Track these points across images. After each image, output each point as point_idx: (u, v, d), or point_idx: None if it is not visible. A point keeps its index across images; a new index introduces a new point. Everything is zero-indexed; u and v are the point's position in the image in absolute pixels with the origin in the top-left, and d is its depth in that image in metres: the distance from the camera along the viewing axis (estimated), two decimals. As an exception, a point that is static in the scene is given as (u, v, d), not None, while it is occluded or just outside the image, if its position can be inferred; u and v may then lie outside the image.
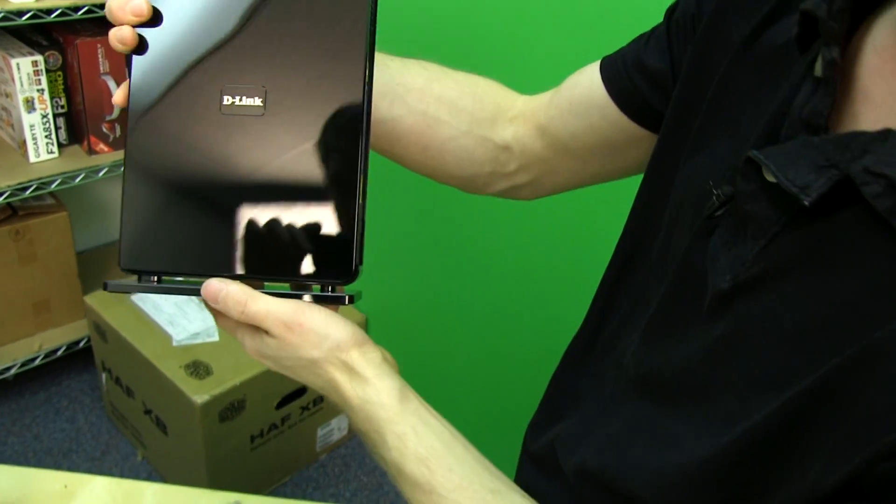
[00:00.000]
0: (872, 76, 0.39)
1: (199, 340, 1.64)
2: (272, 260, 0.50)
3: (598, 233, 1.22)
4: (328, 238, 0.49)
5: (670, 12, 0.58)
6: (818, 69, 0.40)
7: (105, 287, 0.51)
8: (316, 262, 0.49)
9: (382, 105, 0.62)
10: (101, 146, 1.81)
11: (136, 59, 0.52)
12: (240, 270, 0.50)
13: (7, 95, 1.72)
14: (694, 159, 0.51)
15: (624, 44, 0.62)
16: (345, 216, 0.49)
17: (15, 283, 1.83)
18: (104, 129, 1.80)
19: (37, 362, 1.87)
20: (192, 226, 0.51)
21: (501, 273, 1.50)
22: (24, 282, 1.85)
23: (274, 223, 0.50)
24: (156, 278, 0.51)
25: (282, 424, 1.71)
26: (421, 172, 0.69)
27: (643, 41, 0.60)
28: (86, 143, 1.80)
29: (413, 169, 0.69)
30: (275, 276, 0.51)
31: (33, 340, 1.90)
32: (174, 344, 1.63)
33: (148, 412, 1.72)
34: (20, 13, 1.51)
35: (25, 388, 1.99)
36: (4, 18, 1.49)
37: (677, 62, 0.56)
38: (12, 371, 1.84)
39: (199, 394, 1.52)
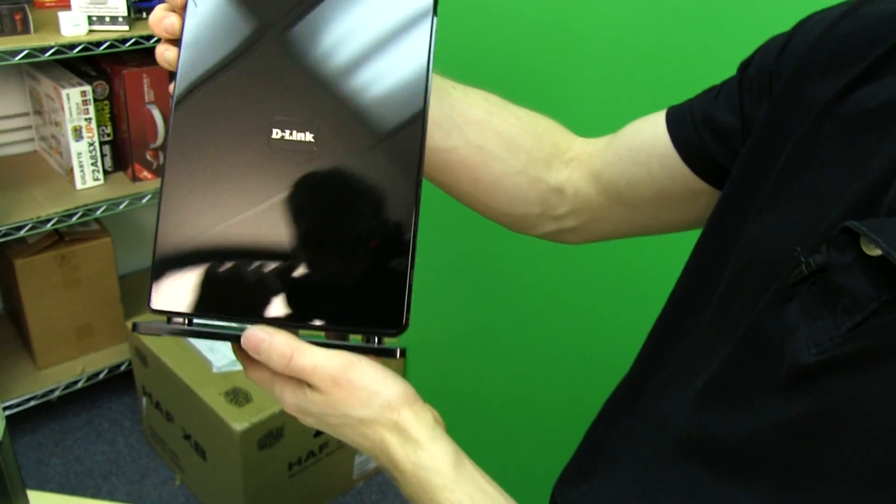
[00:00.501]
0: None
1: (238, 367, 1.66)
2: (316, 306, 0.46)
3: (649, 283, 1.21)
4: (379, 284, 0.46)
5: (743, 67, 0.56)
6: None
7: (135, 328, 0.47)
8: (365, 309, 0.46)
9: (438, 134, 0.60)
10: (145, 173, 1.84)
11: (180, 84, 0.49)
12: (279, 316, 0.46)
13: (56, 124, 1.77)
14: (763, 219, 0.49)
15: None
16: (398, 261, 0.46)
17: (59, 307, 1.87)
18: (148, 157, 1.83)
19: (79, 385, 1.90)
20: (230, 265, 0.47)
21: (544, 316, 1.49)
22: (68, 306, 1.88)
23: (320, 265, 0.46)
24: (186, 320, 0.47)
25: (319, 452, 1.72)
26: (467, 205, 0.67)
27: (713, 94, 0.58)
28: (130, 170, 1.83)
29: (460, 200, 0.67)
30: (318, 324, 0.47)
31: (76, 363, 1.93)
32: (214, 370, 1.65)
33: (187, 437, 1.73)
34: (72, 46, 1.55)
35: (68, 410, 2.02)
36: (57, 52, 1.53)
37: (748, 118, 0.54)
38: (56, 393, 1.87)
39: (239, 421, 1.53)
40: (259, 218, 0.47)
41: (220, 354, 1.68)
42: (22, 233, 1.63)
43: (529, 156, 0.64)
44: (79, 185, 1.77)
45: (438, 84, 0.59)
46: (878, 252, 0.37)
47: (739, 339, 0.46)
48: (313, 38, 0.48)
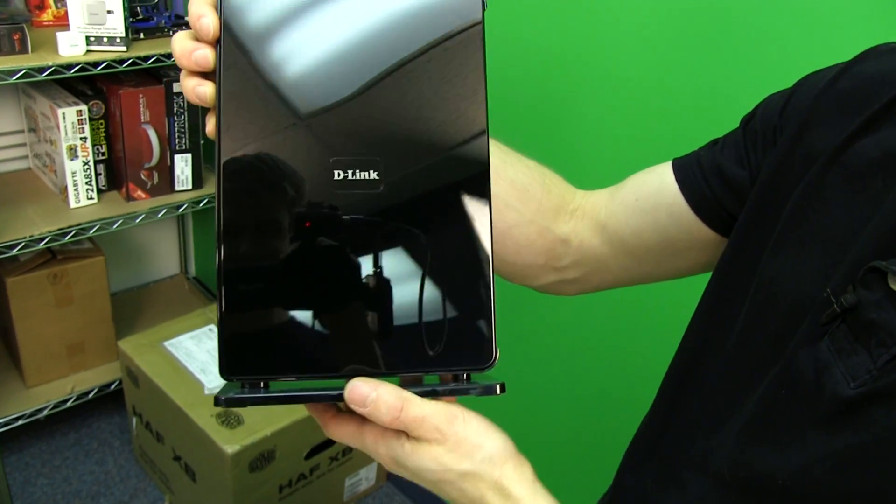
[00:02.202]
0: None
1: (231, 389, 1.65)
2: (403, 351, 0.44)
3: (660, 325, 1.22)
4: (464, 321, 0.44)
5: (746, 121, 0.59)
6: None
7: (217, 402, 0.42)
8: (454, 349, 0.44)
9: None
10: (139, 193, 1.84)
11: (226, 129, 0.44)
12: (367, 366, 0.43)
13: (51, 142, 1.77)
14: (776, 262, 0.51)
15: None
16: (481, 295, 0.44)
17: (51, 325, 1.86)
18: (143, 177, 1.83)
19: (69, 404, 1.89)
20: (306, 319, 0.43)
21: (560, 358, 1.49)
22: (59, 324, 1.87)
23: (401, 309, 0.44)
24: (264, 384, 0.43)
25: (310, 474, 1.71)
26: None
27: (718, 147, 0.60)
28: (124, 189, 1.83)
29: None
30: (405, 370, 0.44)
31: (66, 382, 1.92)
32: (206, 392, 1.64)
33: (177, 458, 1.72)
34: (69, 66, 1.56)
35: (56, 430, 2.01)
36: (55, 72, 1.54)
37: (754, 170, 0.56)
38: (45, 412, 1.86)
39: (231, 443, 1.52)
40: (331, 266, 0.43)
41: (212, 376, 1.68)
42: (14, 251, 1.63)
43: (539, 205, 0.65)
44: (72, 204, 1.77)
45: None
46: None
47: (774, 378, 0.48)
48: (364, 66, 0.44)
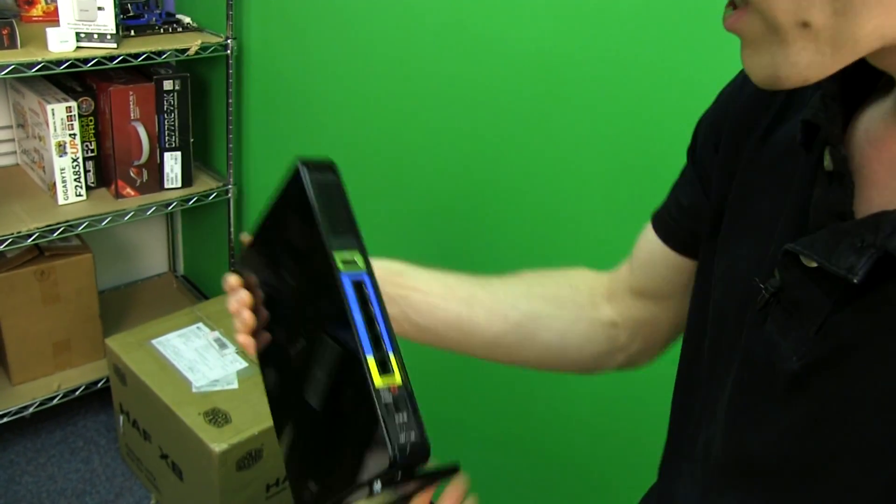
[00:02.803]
0: (872, 164, 0.45)
1: (218, 387, 1.65)
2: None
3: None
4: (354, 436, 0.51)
5: (691, 151, 0.63)
6: (828, 164, 0.45)
7: None
8: (356, 464, 0.50)
9: (496, 322, 0.70)
10: (129, 190, 1.83)
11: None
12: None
13: (40, 139, 1.76)
14: (724, 261, 0.55)
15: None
16: (365, 404, 0.50)
17: (37, 322, 1.85)
18: (132, 174, 1.83)
19: (55, 401, 1.88)
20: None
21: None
22: (46, 321, 1.86)
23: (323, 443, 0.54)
24: None
25: (297, 473, 1.71)
26: (544, 368, 0.74)
27: (677, 187, 0.65)
28: (113, 186, 1.83)
29: (537, 367, 0.74)
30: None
31: (52, 380, 1.92)
32: (193, 390, 1.64)
33: (164, 457, 1.72)
34: (58, 62, 1.55)
35: (42, 428, 2.00)
36: (44, 67, 1.53)
37: (708, 190, 0.60)
38: (30, 410, 1.85)
39: (218, 442, 1.52)
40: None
41: (199, 374, 1.67)
42: (1, 247, 1.62)
43: (575, 304, 0.72)
44: (61, 201, 1.76)
45: (470, 285, 0.71)
46: (815, 264, 0.43)
47: (739, 363, 0.52)
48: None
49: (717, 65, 1.02)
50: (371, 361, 0.49)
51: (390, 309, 0.61)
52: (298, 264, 0.58)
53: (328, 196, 0.55)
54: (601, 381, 1.28)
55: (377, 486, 0.48)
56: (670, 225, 0.65)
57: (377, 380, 0.49)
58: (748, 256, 0.52)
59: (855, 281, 0.40)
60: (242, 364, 1.72)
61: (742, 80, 0.58)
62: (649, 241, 0.67)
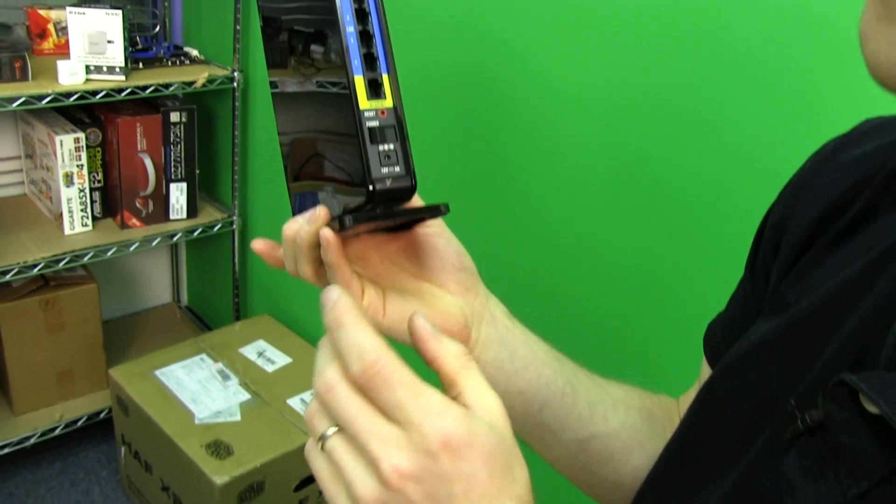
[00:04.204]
0: None
1: (220, 419, 1.64)
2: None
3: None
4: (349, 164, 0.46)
5: (750, 264, 0.56)
6: None
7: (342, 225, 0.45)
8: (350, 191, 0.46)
9: (597, 419, 0.58)
10: (134, 220, 1.84)
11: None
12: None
13: (48, 169, 1.77)
14: (756, 361, 0.47)
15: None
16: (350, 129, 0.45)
17: (41, 352, 1.85)
18: (138, 205, 1.84)
19: (56, 432, 1.88)
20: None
21: None
22: (49, 351, 1.86)
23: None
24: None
25: (299, 506, 1.70)
26: (616, 498, 0.63)
27: (731, 299, 0.58)
28: (119, 217, 1.84)
29: (612, 498, 0.63)
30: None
31: (54, 410, 1.91)
32: (196, 422, 1.63)
33: (165, 489, 1.71)
34: (68, 94, 1.57)
35: (42, 458, 1.99)
36: (54, 100, 1.55)
37: (761, 305, 0.52)
38: (31, 440, 1.84)
39: (220, 474, 1.51)
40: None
41: (202, 406, 1.67)
42: (8, 276, 1.63)
43: (669, 418, 0.63)
44: (67, 231, 1.77)
45: (572, 365, 0.59)
46: (877, 410, 0.33)
47: (734, 484, 0.43)
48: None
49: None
50: (359, 81, 0.44)
51: (495, 352, 0.54)
52: None
53: None
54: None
55: (348, 220, 0.44)
56: (720, 348, 0.56)
57: (363, 102, 0.44)
58: (786, 366, 0.43)
59: None
60: (245, 396, 1.72)
61: (815, 168, 0.50)
62: (705, 364, 0.59)
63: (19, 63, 1.54)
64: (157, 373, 1.76)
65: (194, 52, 1.92)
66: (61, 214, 1.76)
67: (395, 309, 0.50)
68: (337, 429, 0.37)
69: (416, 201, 0.48)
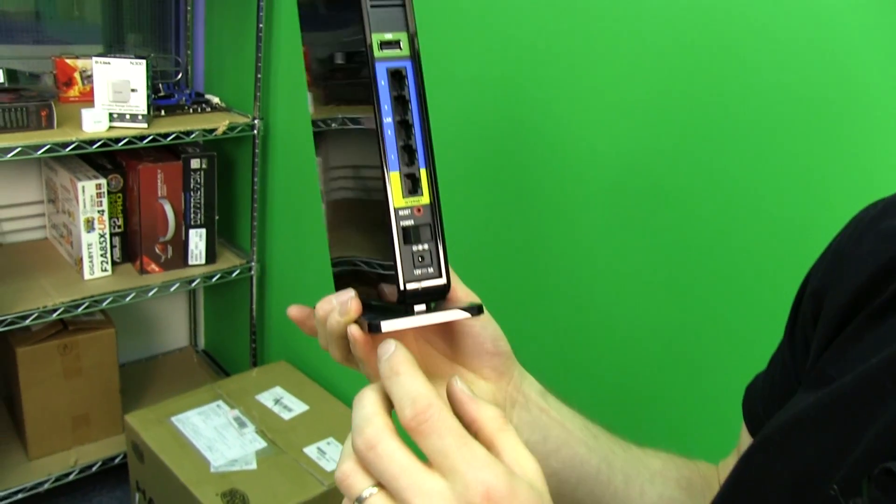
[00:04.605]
0: None
1: (236, 468, 1.63)
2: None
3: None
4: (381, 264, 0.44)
5: (790, 329, 0.55)
6: None
7: (371, 328, 0.43)
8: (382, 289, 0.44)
9: (632, 495, 0.57)
10: (153, 266, 1.85)
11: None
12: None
13: (69, 214, 1.79)
14: (795, 440, 0.45)
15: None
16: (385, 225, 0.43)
17: (58, 396, 1.85)
18: (157, 250, 1.85)
19: (71, 477, 1.87)
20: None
21: None
22: (66, 395, 1.86)
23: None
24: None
25: (313, 557, 1.67)
26: None
27: (770, 363, 0.57)
28: (138, 262, 1.85)
29: None
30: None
31: (70, 454, 1.90)
32: (212, 470, 1.62)
33: (179, 537, 1.69)
34: (91, 142, 1.59)
35: (56, 503, 1.98)
36: (77, 147, 1.57)
37: (802, 374, 0.52)
38: (46, 486, 1.83)
39: (234, 524, 1.50)
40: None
41: (218, 454, 1.66)
42: (27, 321, 1.63)
43: (706, 481, 0.62)
44: (87, 276, 1.78)
45: (608, 439, 0.58)
46: None
47: None
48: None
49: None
50: (395, 178, 0.42)
51: (528, 435, 0.52)
52: (335, 42, 0.46)
53: None
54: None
55: (377, 325, 0.42)
56: (759, 415, 0.55)
57: (398, 199, 0.42)
58: (827, 446, 0.41)
59: None
60: (262, 444, 1.70)
61: (856, 235, 0.49)
62: (744, 430, 0.58)
63: (45, 112, 1.56)
64: (174, 419, 1.76)
65: (215, 100, 1.95)
66: (81, 259, 1.77)
67: None
68: (377, 489, 0.36)
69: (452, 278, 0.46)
